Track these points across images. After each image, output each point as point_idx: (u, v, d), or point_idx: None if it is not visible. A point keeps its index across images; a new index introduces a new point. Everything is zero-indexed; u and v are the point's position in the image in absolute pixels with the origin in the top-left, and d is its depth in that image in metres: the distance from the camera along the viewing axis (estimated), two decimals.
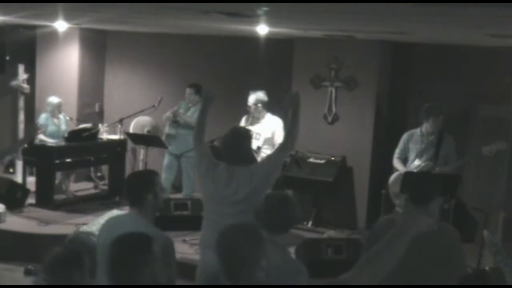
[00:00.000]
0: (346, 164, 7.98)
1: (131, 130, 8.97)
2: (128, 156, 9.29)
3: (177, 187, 8.73)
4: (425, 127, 6.94)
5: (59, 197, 8.46)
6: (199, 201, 5.97)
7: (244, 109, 7.47)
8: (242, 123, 7.36)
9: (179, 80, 9.08)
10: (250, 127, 7.20)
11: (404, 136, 7.10)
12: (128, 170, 8.94)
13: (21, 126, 8.69)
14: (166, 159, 8.31)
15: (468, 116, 7.95)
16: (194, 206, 6.57)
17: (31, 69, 9.34)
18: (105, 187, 9.22)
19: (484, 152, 6.41)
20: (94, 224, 6.20)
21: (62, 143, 8.27)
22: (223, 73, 9.15)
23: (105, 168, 9.53)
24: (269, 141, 7.16)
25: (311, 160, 7.91)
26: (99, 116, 10.02)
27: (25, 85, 8.70)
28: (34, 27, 9.48)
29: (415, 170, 6.84)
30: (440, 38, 7.00)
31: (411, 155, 7.00)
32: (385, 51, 8.06)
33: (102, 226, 3.74)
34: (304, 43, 8.15)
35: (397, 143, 7.15)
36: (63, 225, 7.40)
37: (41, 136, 8.42)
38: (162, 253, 3.18)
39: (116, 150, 8.82)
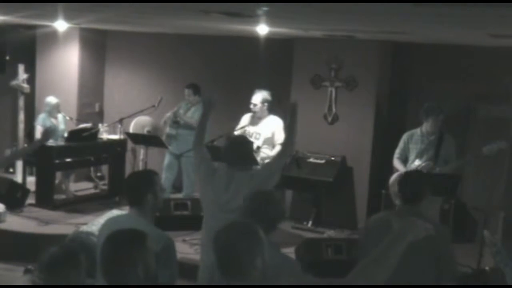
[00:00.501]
0: (346, 164, 7.97)
1: (131, 130, 8.96)
2: (128, 156, 9.28)
3: (177, 187, 8.73)
4: (425, 127, 6.92)
5: (59, 197, 8.46)
6: (199, 201, 5.94)
7: (244, 109, 7.41)
8: (245, 121, 7.30)
9: (179, 80, 9.07)
10: (251, 127, 7.20)
11: (404, 136, 7.09)
12: (128, 170, 8.95)
13: (21, 126, 8.69)
14: (167, 159, 8.31)
15: (468, 116, 7.95)
16: (194, 206, 6.57)
17: (31, 69, 9.34)
18: (105, 187, 9.23)
19: (485, 152, 6.39)
20: (94, 224, 6.19)
21: (61, 142, 8.26)
22: (223, 73, 9.15)
23: (105, 168, 9.54)
24: (269, 141, 7.14)
25: (311, 160, 7.91)
26: (99, 116, 10.02)
27: (25, 85, 8.70)
28: (34, 27, 9.47)
29: None
30: (440, 38, 7.00)
31: (411, 155, 6.98)
32: (385, 51, 8.07)
33: (102, 226, 3.73)
34: (304, 43, 8.15)
35: (397, 143, 7.13)
36: (63, 225, 7.40)
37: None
38: (163, 253, 3.18)
39: (116, 150, 8.82)
